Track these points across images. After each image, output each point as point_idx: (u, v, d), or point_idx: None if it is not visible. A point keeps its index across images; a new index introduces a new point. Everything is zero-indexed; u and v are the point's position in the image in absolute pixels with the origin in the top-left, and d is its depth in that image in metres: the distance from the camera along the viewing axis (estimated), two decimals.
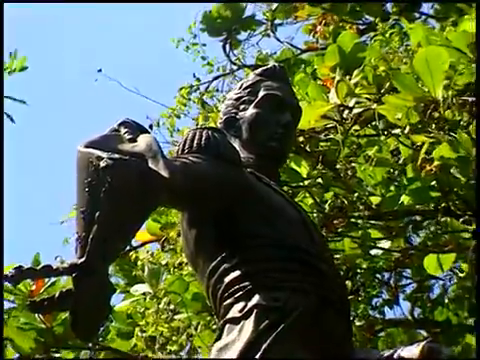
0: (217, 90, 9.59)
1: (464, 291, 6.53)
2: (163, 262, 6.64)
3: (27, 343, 6.97)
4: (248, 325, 3.82)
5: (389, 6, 9.20)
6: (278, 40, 9.36)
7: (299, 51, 9.36)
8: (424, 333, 6.85)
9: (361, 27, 8.99)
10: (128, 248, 6.66)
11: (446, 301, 6.84)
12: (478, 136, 5.36)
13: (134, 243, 7.13)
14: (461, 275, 6.33)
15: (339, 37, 6.64)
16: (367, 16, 9.12)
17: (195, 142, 4.06)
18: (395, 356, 3.88)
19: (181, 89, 9.05)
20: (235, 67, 9.59)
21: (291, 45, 9.67)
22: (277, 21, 9.60)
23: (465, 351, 6.50)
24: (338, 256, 6.09)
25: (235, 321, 3.88)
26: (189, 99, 8.97)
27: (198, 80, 9.28)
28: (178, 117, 8.79)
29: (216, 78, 9.62)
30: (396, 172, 6.11)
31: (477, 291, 3.90)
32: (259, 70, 4.49)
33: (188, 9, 10.00)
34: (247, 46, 9.59)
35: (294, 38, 9.54)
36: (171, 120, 8.61)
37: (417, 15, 9.38)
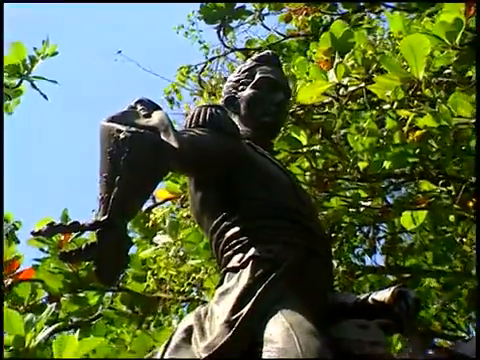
0: (211, 70, 9.60)
1: (430, 243, 6.45)
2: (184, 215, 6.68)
3: (56, 285, 6.99)
4: (245, 273, 3.84)
5: None
6: (265, 27, 9.42)
7: (282, 37, 9.30)
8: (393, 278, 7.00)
9: (335, 17, 8.91)
10: (150, 205, 6.60)
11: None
12: (479, 132, 5.30)
13: (157, 201, 7.05)
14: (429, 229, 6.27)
15: (331, 25, 6.66)
16: (341, 8, 9.06)
17: (200, 117, 4.09)
18: (369, 299, 3.87)
19: (180, 68, 9.10)
20: (228, 50, 9.56)
21: (276, 32, 9.68)
22: (264, 11, 9.57)
23: (427, 291, 6.56)
24: (326, 212, 6.13)
25: (234, 270, 3.91)
26: (188, 77, 9.07)
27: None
28: (177, 92, 8.91)
29: (211, 59, 9.64)
30: (382, 140, 6.07)
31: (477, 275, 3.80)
32: (255, 56, 4.54)
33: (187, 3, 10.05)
34: (238, 32, 9.62)
35: (278, 26, 9.52)
36: (178, 95, 8.80)
37: (383, 8, 9.34)
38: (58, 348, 5.82)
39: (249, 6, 9.39)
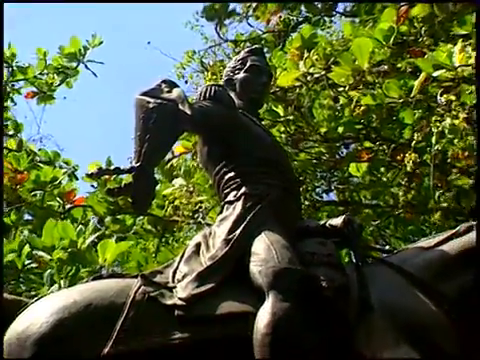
0: (209, 54, 9.53)
1: (369, 184, 6.42)
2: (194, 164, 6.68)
3: (101, 209, 6.93)
4: (239, 205, 3.86)
5: (320, 6, 9.02)
6: (249, 25, 9.32)
7: (262, 32, 9.21)
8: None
9: (300, 19, 8.84)
10: (169, 157, 6.57)
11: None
12: (479, 129, 5.09)
13: (175, 154, 7.00)
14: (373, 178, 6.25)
15: (301, 29, 6.71)
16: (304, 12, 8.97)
17: (207, 93, 4.07)
18: (326, 224, 3.87)
19: (187, 52, 8.98)
20: (222, 41, 9.48)
21: (257, 28, 9.61)
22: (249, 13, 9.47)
23: (366, 218, 6.49)
24: (296, 163, 6.12)
25: (231, 203, 3.91)
26: (192, 59, 8.94)
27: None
28: (184, 68, 8.81)
29: (209, 47, 9.47)
30: (337, 113, 6.07)
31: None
32: (247, 49, 4.50)
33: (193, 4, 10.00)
34: (229, 28, 9.47)
35: (259, 24, 9.43)
36: (191, 75, 8.70)
37: (334, 13, 9.26)
38: (101, 249, 5.83)
39: (238, 9, 9.33)
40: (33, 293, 5.74)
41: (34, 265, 6.00)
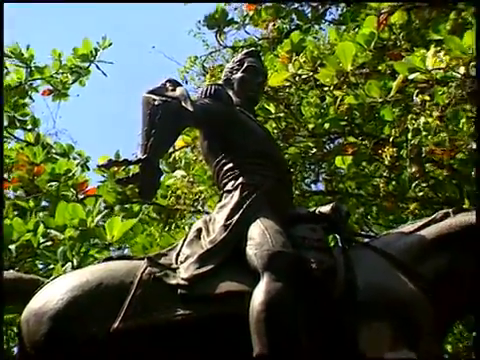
0: (209, 60, 9.45)
1: (353, 176, 6.42)
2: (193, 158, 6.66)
3: (111, 198, 6.90)
4: (236, 194, 3.83)
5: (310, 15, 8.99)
6: (246, 32, 9.27)
7: (257, 39, 9.18)
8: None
9: (292, 27, 8.81)
10: (171, 150, 6.54)
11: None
12: (478, 129, 5.04)
13: (176, 147, 6.97)
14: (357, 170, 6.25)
15: (291, 35, 6.63)
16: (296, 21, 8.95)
17: (208, 92, 4.04)
18: (316, 211, 3.84)
19: (189, 57, 8.91)
20: (221, 47, 9.40)
21: (253, 35, 9.58)
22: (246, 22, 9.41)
23: (351, 206, 6.42)
24: (287, 156, 6.05)
25: (229, 191, 3.88)
26: (194, 64, 8.89)
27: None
28: (187, 72, 8.74)
29: (210, 53, 9.38)
30: (323, 110, 6.04)
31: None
32: (244, 51, 4.46)
33: (195, 12, 9.96)
34: (228, 35, 9.39)
35: (255, 32, 9.36)
36: (192, 77, 8.69)
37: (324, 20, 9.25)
38: (109, 227, 5.85)
39: (236, 18, 9.27)
40: (49, 268, 5.72)
41: (49, 243, 6.00)
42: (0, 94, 6.56)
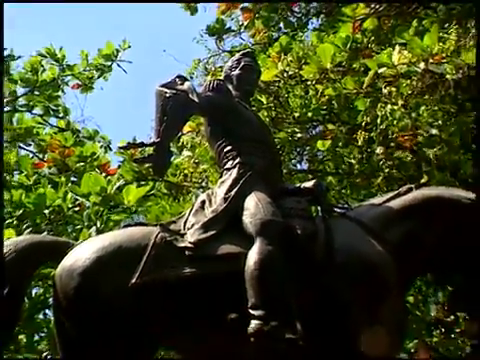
0: (211, 63, 9.34)
1: (331, 157, 6.38)
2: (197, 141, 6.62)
3: (129, 176, 6.86)
4: (234, 171, 3.79)
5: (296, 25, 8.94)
6: (242, 38, 9.20)
7: (251, 44, 9.10)
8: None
9: (280, 34, 8.74)
10: (180, 134, 6.50)
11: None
12: (478, 128, 4.93)
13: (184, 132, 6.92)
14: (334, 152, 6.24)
15: (280, 38, 6.62)
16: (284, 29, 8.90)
17: (211, 86, 4.00)
18: (301, 186, 3.82)
19: (194, 60, 8.85)
20: (220, 51, 9.31)
21: (248, 42, 9.46)
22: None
23: (329, 183, 6.40)
24: (277, 140, 5.99)
25: (228, 169, 3.84)
26: (198, 65, 8.82)
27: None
28: (191, 73, 8.63)
29: (211, 56, 9.29)
30: (307, 101, 6.00)
31: None
32: (241, 52, 4.38)
33: (199, 22, 9.91)
34: (226, 42, 9.31)
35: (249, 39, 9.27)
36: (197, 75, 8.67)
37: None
38: (125, 193, 5.84)
39: (233, 27, 9.19)
40: (76, 229, 5.70)
41: (76, 208, 5.98)
42: (0, 92, 6.34)
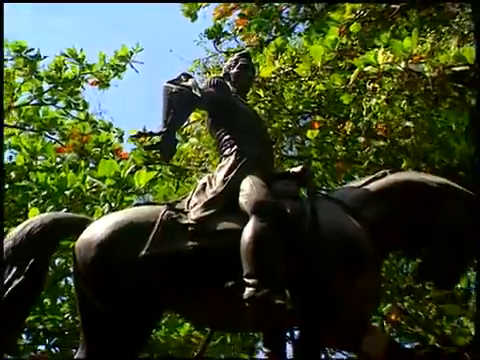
0: (209, 62, 9.26)
1: (318, 145, 6.35)
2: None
3: (139, 160, 6.81)
4: (232, 158, 3.77)
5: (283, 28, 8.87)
6: (236, 41, 9.07)
7: (246, 46, 9.00)
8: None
9: (269, 38, 8.68)
10: (186, 124, 6.46)
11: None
12: (478, 128, 4.89)
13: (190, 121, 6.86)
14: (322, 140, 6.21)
15: (275, 40, 6.57)
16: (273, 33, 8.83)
17: (211, 82, 3.98)
18: (290, 171, 3.81)
19: (194, 60, 8.76)
20: (218, 53, 9.22)
21: (242, 45, 9.33)
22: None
23: (315, 169, 6.38)
24: (270, 129, 5.96)
25: (226, 156, 3.82)
26: (199, 64, 8.73)
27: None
28: (192, 71, 8.47)
29: (209, 57, 9.18)
30: (299, 95, 5.99)
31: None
32: (238, 53, 4.36)
33: (199, 26, 9.87)
34: (223, 44, 9.21)
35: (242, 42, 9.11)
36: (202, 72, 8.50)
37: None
38: (136, 177, 5.81)
39: (229, 31, 9.11)
40: (93, 208, 5.71)
41: (93, 190, 5.98)
42: (0, 92, 6.21)
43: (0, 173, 5.41)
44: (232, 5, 8.64)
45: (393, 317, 5.96)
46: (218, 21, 8.90)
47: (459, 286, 5.31)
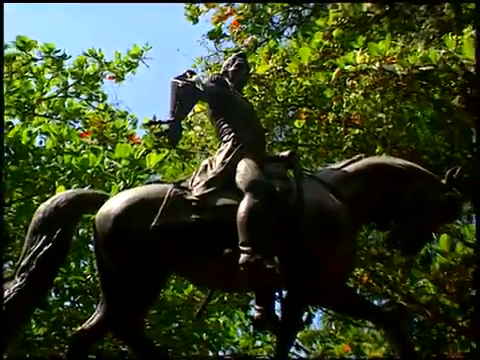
0: (210, 60, 9.15)
1: (303, 134, 6.28)
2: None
3: (150, 144, 6.75)
4: (229, 143, 3.73)
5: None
6: (234, 42, 8.94)
7: (244, 47, 8.90)
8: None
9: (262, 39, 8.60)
10: (191, 114, 6.38)
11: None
12: (478, 132, 4.89)
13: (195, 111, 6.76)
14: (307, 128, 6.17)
15: (269, 42, 6.52)
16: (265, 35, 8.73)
17: (212, 79, 3.94)
18: (279, 155, 3.77)
19: (197, 58, 8.71)
20: (217, 52, 9.13)
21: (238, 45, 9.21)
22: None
23: (301, 154, 6.28)
24: (264, 120, 5.92)
25: (224, 142, 3.77)
26: (201, 62, 8.67)
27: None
28: (195, 66, 8.44)
29: (210, 55, 9.11)
30: (289, 90, 5.92)
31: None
32: (235, 54, 4.30)
33: (202, 29, 9.78)
34: (222, 44, 9.12)
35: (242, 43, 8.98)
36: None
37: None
38: (147, 158, 5.74)
39: (227, 33, 9.02)
40: (111, 185, 5.66)
41: (111, 169, 5.94)
42: (0, 91, 6.03)
43: (0, 173, 5.26)
44: (228, 11, 8.56)
45: (365, 279, 6.00)
46: (217, 24, 8.82)
47: (421, 253, 5.35)
